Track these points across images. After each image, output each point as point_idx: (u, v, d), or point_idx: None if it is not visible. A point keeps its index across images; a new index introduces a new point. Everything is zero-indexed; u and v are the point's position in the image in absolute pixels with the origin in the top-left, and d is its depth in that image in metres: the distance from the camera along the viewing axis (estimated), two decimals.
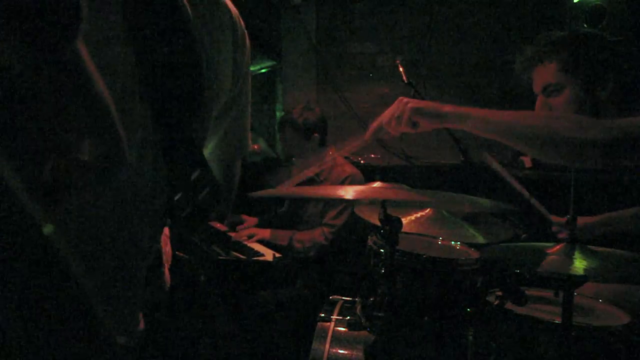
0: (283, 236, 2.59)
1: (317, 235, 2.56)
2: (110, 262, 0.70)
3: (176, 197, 0.72)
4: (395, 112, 1.29)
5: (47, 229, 0.44)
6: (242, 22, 0.88)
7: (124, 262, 0.72)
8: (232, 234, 2.61)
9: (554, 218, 1.90)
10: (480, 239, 1.71)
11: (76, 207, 0.51)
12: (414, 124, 1.28)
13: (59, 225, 0.46)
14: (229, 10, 0.84)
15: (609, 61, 1.44)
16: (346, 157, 2.82)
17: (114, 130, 0.51)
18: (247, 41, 0.89)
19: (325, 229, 2.56)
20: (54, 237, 0.45)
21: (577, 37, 1.51)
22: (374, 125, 1.35)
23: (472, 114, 1.24)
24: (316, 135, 2.65)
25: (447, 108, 1.27)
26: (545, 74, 1.49)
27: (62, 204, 0.49)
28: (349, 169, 2.64)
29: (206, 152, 0.88)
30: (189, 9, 0.74)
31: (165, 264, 0.92)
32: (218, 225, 2.67)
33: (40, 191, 0.46)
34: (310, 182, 2.64)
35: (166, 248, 0.95)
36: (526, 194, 1.85)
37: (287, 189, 1.83)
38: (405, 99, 1.30)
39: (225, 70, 0.83)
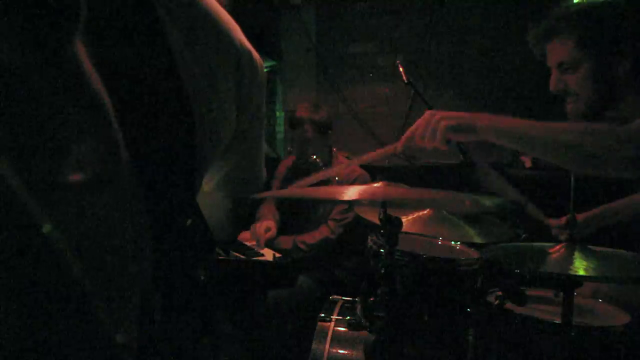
0: (286, 241, 2.59)
1: (324, 230, 2.57)
2: (109, 262, 0.69)
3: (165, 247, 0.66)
4: (428, 128, 1.24)
5: (46, 228, 0.44)
6: (258, 57, 0.81)
7: (123, 263, 0.71)
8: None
9: (550, 221, 1.88)
10: (480, 239, 1.71)
11: (75, 207, 0.51)
12: (448, 141, 1.24)
13: (58, 225, 0.46)
14: (232, 43, 0.77)
15: (628, 35, 1.37)
16: (347, 157, 2.82)
17: (111, 131, 0.51)
18: (260, 72, 0.82)
19: (331, 223, 2.57)
20: (54, 236, 0.45)
21: (594, 9, 1.43)
22: (406, 136, 1.30)
23: (507, 128, 1.21)
24: (330, 132, 2.67)
25: (481, 122, 1.22)
26: (560, 50, 1.44)
27: (61, 204, 0.49)
28: (357, 168, 2.64)
29: (208, 187, 0.84)
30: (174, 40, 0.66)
31: None
32: None
33: (40, 191, 0.46)
34: (326, 181, 2.64)
35: None
36: (522, 199, 1.84)
37: (288, 190, 1.82)
38: (438, 114, 1.24)
39: (225, 109, 0.77)
